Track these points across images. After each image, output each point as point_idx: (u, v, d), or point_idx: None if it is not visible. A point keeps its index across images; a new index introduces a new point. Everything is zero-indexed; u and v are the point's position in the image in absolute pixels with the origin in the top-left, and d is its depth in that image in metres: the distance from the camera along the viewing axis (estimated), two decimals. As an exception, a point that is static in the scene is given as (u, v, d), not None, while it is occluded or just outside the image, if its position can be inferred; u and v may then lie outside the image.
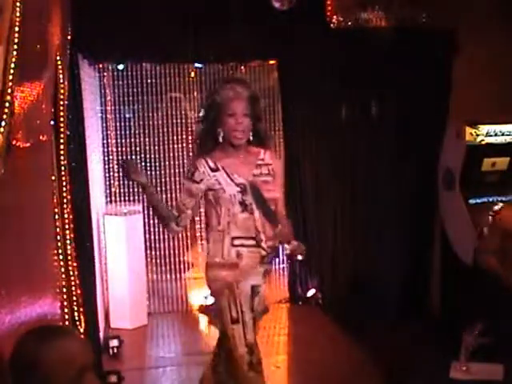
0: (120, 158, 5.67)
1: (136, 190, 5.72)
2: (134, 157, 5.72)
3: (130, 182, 5.67)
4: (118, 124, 5.70)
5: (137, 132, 5.75)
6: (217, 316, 3.36)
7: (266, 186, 3.24)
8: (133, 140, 5.74)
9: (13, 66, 1.97)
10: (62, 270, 3.15)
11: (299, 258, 3.16)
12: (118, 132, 5.71)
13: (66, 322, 3.02)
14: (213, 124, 3.21)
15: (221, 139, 3.22)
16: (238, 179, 3.20)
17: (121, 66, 5.60)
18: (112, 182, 5.72)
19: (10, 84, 1.94)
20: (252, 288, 3.22)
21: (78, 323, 3.34)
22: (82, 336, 1.76)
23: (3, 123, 1.87)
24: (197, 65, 5.64)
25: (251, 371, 3.15)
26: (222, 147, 3.24)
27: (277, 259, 5.94)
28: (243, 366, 3.12)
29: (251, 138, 3.25)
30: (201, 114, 3.38)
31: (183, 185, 3.31)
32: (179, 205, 3.23)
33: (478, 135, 5.07)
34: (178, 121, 5.79)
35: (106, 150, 5.70)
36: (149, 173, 5.75)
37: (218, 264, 3.22)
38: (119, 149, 5.71)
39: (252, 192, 3.16)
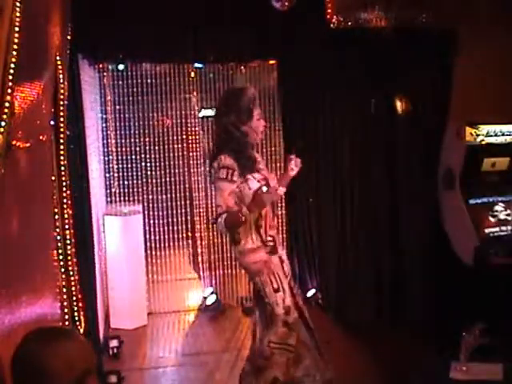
0: (120, 158, 5.68)
1: (136, 190, 5.73)
2: (133, 157, 5.73)
3: (130, 182, 5.71)
4: (117, 124, 5.70)
5: (137, 132, 5.75)
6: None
7: None
8: (133, 140, 5.74)
9: (13, 66, 1.97)
10: (62, 270, 3.16)
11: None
12: (118, 132, 5.71)
13: (66, 322, 3.02)
14: None
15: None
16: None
17: (121, 66, 5.60)
18: (112, 182, 5.72)
19: (10, 84, 1.95)
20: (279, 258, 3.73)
21: (77, 323, 3.34)
22: (84, 338, 1.73)
23: (3, 123, 1.88)
24: (197, 65, 5.64)
25: (285, 327, 3.65)
26: None
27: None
28: (278, 323, 3.64)
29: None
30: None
31: None
32: None
33: (478, 135, 5.07)
34: (178, 121, 5.80)
35: (105, 149, 5.69)
36: (149, 173, 5.76)
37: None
38: (119, 149, 5.71)
39: None
